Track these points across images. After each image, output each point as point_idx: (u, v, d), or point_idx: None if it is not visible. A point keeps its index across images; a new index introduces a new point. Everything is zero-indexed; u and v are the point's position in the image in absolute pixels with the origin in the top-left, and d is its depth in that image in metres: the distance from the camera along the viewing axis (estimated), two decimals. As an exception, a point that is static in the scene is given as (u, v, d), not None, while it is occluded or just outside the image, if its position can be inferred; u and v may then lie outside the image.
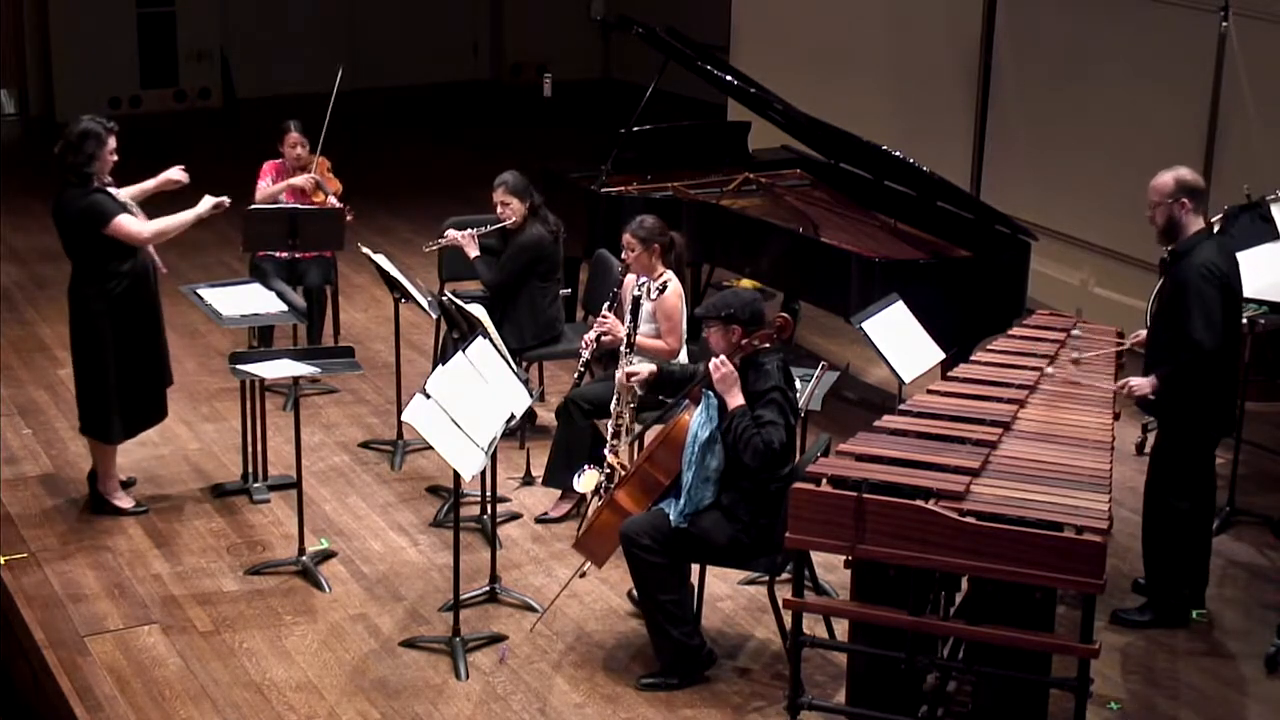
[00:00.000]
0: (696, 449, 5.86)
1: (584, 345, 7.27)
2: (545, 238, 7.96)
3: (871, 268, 7.85)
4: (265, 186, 8.77)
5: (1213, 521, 6.60)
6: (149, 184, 7.31)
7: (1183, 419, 6.28)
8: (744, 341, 5.86)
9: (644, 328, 7.18)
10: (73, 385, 7.30)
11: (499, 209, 7.96)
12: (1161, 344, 6.27)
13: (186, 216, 7.16)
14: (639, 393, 6.70)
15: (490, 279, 8.01)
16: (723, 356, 5.85)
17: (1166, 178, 6.24)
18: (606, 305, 7.31)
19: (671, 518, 5.89)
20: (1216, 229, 7.81)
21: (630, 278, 7.23)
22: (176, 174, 7.33)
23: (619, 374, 6.58)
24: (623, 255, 7.26)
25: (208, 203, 7.22)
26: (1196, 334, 6.04)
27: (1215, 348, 6.05)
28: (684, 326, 7.25)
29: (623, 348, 7.03)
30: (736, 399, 5.80)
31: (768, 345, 5.89)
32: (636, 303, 7.04)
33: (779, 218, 8.73)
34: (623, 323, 7.07)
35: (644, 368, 6.43)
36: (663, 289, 7.05)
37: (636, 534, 5.88)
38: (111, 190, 6.95)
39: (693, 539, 5.89)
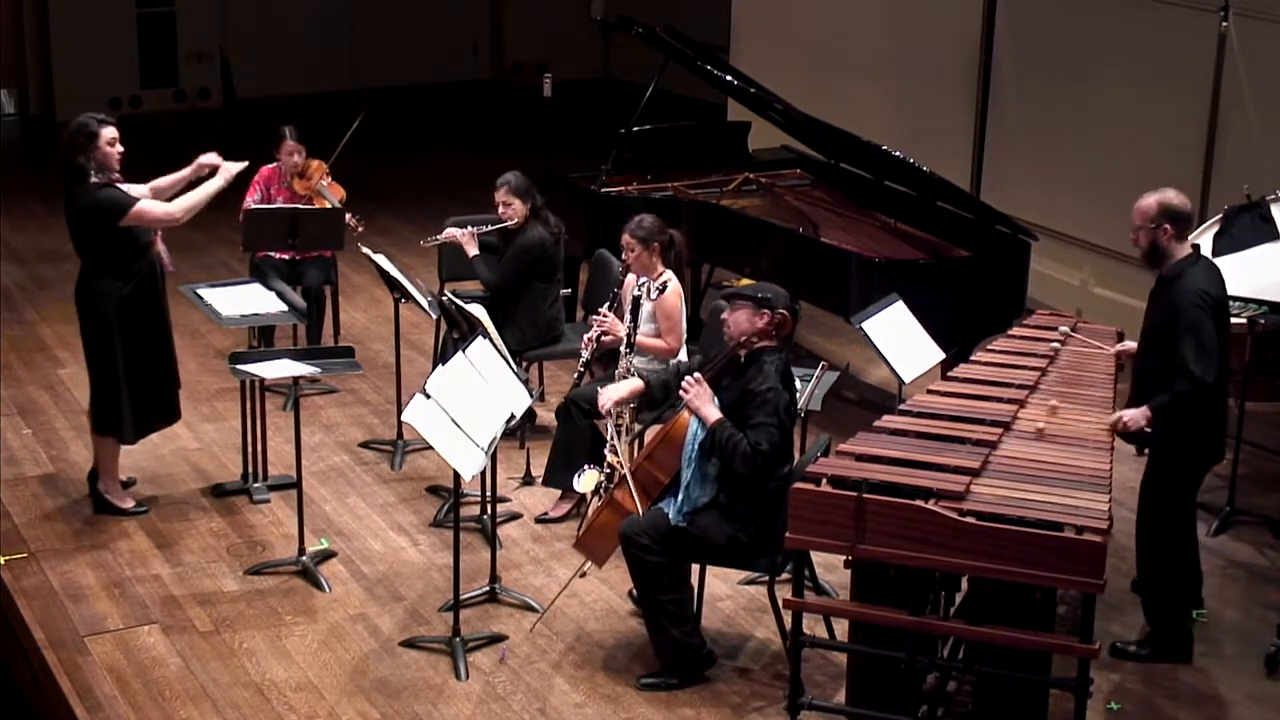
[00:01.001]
0: (696, 447, 5.86)
1: (584, 344, 7.27)
2: (546, 239, 7.95)
3: (871, 268, 7.85)
4: (252, 204, 8.71)
5: (1196, 543, 6.44)
6: (184, 172, 7.23)
7: (1174, 451, 6.12)
8: (744, 339, 5.86)
9: (644, 327, 7.18)
10: (73, 386, 7.31)
11: (501, 209, 7.96)
12: (1150, 372, 6.10)
13: (209, 189, 7.11)
14: (627, 412, 6.68)
15: (490, 280, 8.01)
16: (696, 375, 5.86)
17: (1150, 201, 6.04)
18: (606, 305, 7.31)
19: (670, 516, 5.89)
20: (1216, 228, 7.83)
21: (630, 278, 7.23)
22: (211, 158, 7.23)
23: (603, 401, 6.51)
24: (622, 256, 7.26)
25: (225, 171, 7.15)
26: (1194, 367, 5.82)
27: (1215, 379, 5.87)
28: (684, 326, 7.25)
29: (623, 348, 7.04)
30: (712, 414, 5.80)
31: (770, 344, 5.89)
32: (636, 302, 7.04)
33: (779, 218, 8.73)
34: (623, 322, 7.07)
35: (625, 389, 6.39)
36: (663, 289, 7.05)
37: (636, 533, 5.88)
38: (123, 186, 6.95)
39: (691, 538, 5.89)
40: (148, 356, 7.12)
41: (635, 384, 6.40)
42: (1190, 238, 7.75)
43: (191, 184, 7.22)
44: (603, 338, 7.22)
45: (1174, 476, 6.17)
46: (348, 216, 8.67)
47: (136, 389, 7.09)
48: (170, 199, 7.14)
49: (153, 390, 7.19)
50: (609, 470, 6.56)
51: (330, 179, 8.91)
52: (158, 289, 7.13)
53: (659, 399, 6.35)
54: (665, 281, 7.06)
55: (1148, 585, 6.33)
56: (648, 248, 7.15)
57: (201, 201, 7.09)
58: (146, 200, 6.93)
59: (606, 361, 7.43)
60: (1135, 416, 5.94)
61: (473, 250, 8.04)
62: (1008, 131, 10.31)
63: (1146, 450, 6.60)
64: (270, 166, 8.84)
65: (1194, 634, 6.38)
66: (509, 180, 7.96)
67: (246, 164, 7.34)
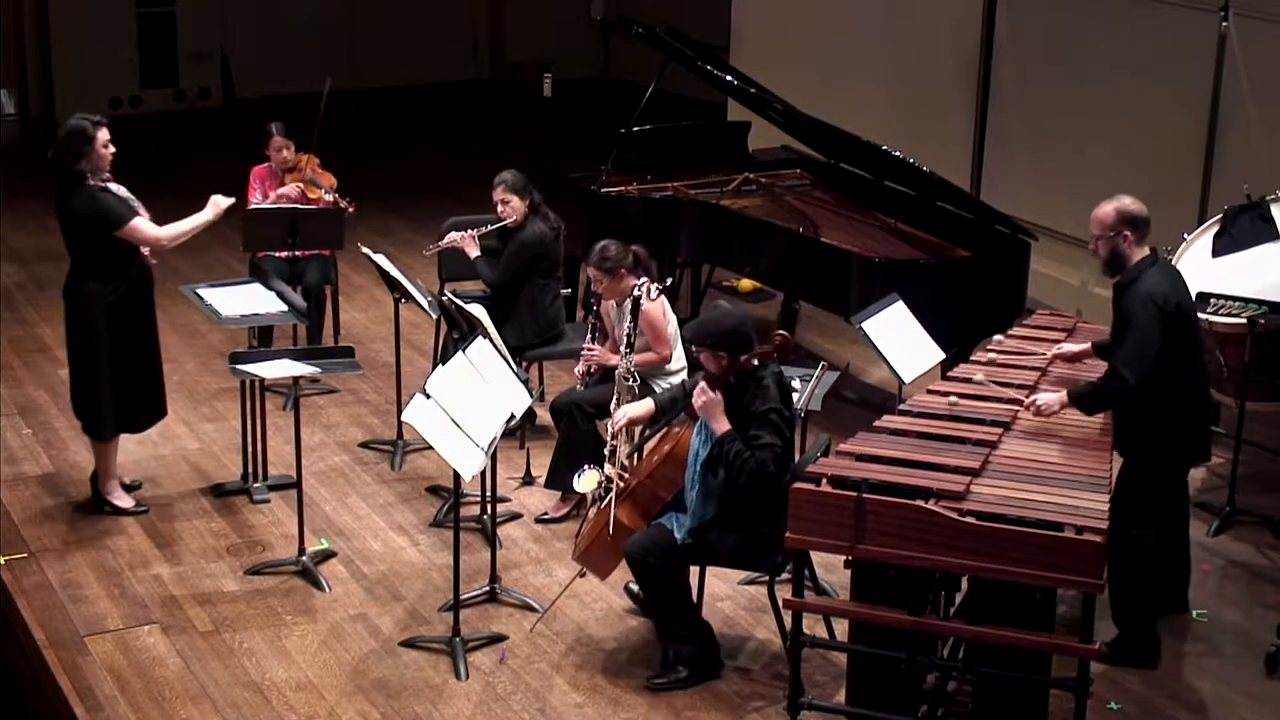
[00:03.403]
0: (699, 466, 5.86)
1: (579, 379, 7.30)
2: (546, 235, 7.96)
3: (871, 268, 7.85)
4: (256, 203, 8.74)
5: (1187, 544, 6.41)
6: (203, 219, 7.22)
7: (1149, 450, 6.02)
8: (744, 358, 5.82)
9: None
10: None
11: (499, 208, 7.96)
12: None
13: (198, 220, 7.17)
14: (644, 433, 6.66)
15: (492, 278, 8.01)
16: (704, 385, 5.85)
17: (1107, 209, 5.98)
18: (589, 336, 7.35)
19: (677, 535, 5.90)
20: (1216, 228, 7.82)
21: (609, 304, 7.26)
22: (222, 202, 7.27)
23: (618, 418, 6.52)
24: (592, 287, 7.26)
25: (216, 203, 7.21)
26: (1122, 365, 5.79)
27: (1138, 382, 5.77)
28: (672, 329, 7.21)
29: (623, 347, 7.04)
30: (722, 425, 5.77)
31: (765, 359, 5.86)
32: (636, 303, 7.03)
33: (779, 218, 8.73)
34: (623, 326, 7.07)
35: (640, 409, 6.38)
36: (662, 290, 7.05)
37: (643, 555, 5.90)
38: (113, 187, 6.96)
39: (697, 553, 5.93)
40: (135, 358, 7.12)
41: (648, 405, 6.37)
42: (1190, 237, 7.78)
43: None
44: (592, 369, 7.25)
45: (1148, 476, 6.07)
46: (339, 200, 8.67)
47: (120, 389, 7.08)
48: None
49: (138, 390, 7.18)
50: (609, 481, 6.56)
51: (319, 169, 8.91)
52: (148, 290, 7.14)
53: (668, 416, 6.34)
54: (655, 286, 7.07)
55: (1114, 587, 6.15)
56: (614, 276, 7.14)
57: (189, 231, 7.14)
58: (141, 219, 6.94)
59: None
60: (1050, 402, 5.92)
61: (474, 253, 8.05)
62: (1008, 131, 10.31)
63: None
64: (262, 166, 8.85)
65: (1193, 627, 6.39)
66: (506, 179, 7.97)
67: (234, 200, 7.39)
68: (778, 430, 5.76)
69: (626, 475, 6.22)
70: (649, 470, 6.07)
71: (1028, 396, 6.01)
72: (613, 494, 6.10)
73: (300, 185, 8.78)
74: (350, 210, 8.66)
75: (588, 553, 6.17)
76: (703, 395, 5.82)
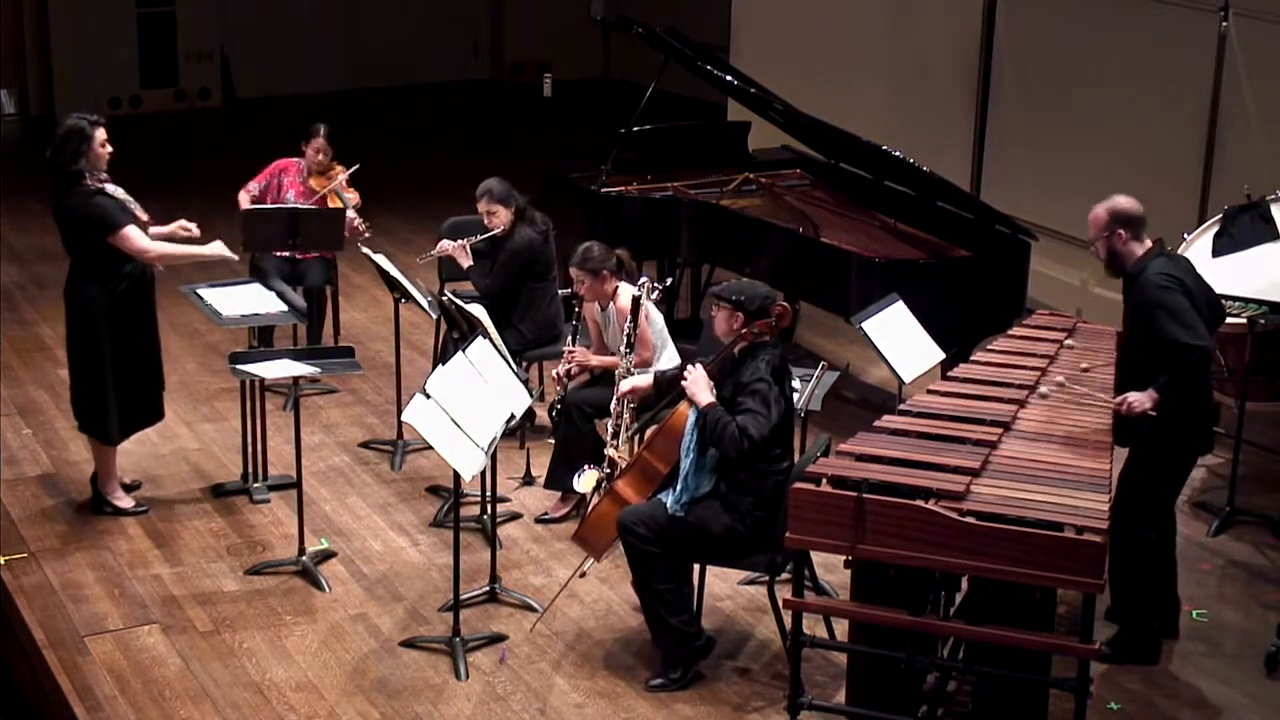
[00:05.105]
0: (694, 438, 5.87)
1: (555, 380, 7.31)
2: (535, 240, 7.95)
3: (871, 268, 7.86)
4: (255, 190, 8.73)
5: (1175, 549, 6.37)
6: (198, 253, 7.26)
7: (1152, 436, 5.97)
8: (744, 330, 5.87)
9: (616, 344, 7.17)
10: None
11: (486, 219, 7.96)
12: (1135, 368, 6.03)
13: (191, 250, 7.22)
14: (627, 411, 6.70)
15: (485, 287, 8.00)
16: (695, 364, 5.90)
17: (1100, 211, 6.03)
18: (570, 339, 7.35)
19: (669, 505, 5.90)
20: (1216, 229, 7.82)
21: (591, 306, 7.26)
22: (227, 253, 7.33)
23: (624, 387, 6.59)
24: (574, 288, 7.26)
25: (218, 248, 7.24)
26: (1180, 337, 5.79)
27: (1203, 343, 5.81)
28: (655, 334, 7.20)
29: (623, 347, 7.04)
30: (705, 399, 5.83)
31: (766, 337, 5.90)
32: (636, 302, 7.04)
33: (779, 218, 8.73)
34: (622, 332, 7.09)
35: (643, 380, 6.50)
36: (665, 291, 7.06)
37: (633, 523, 5.90)
38: (110, 188, 6.95)
39: (689, 528, 5.89)
40: (136, 357, 7.12)
41: (649, 378, 6.49)
42: (1190, 237, 7.78)
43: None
44: (572, 371, 7.26)
45: (1156, 473, 6.08)
46: (357, 221, 8.67)
47: (123, 389, 7.09)
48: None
49: (139, 390, 7.19)
50: (610, 465, 6.58)
51: (348, 185, 8.88)
52: (148, 289, 7.14)
53: (666, 392, 6.38)
54: (657, 287, 7.06)
55: (1117, 585, 6.20)
56: (598, 277, 7.15)
57: (179, 256, 7.19)
58: (133, 229, 6.92)
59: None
60: (1141, 398, 5.88)
61: (466, 262, 8.05)
62: (1008, 131, 10.31)
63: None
64: (292, 160, 8.82)
65: (1192, 627, 6.38)
66: (490, 189, 7.95)
67: (237, 259, 7.48)
68: (764, 400, 5.77)
69: (627, 458, 6.25)
70: (647, 444, 6.12)
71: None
72: (613, 477, 6.13)
73: (324, 192, 8.76)
74: (367, 234, 8.64)
75: (584, 528, 6.19)
76: (691, 373, 5.89)
